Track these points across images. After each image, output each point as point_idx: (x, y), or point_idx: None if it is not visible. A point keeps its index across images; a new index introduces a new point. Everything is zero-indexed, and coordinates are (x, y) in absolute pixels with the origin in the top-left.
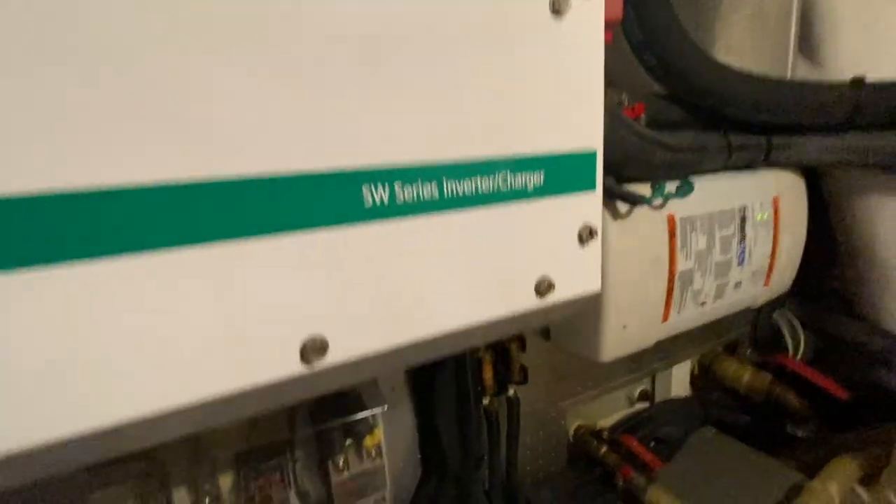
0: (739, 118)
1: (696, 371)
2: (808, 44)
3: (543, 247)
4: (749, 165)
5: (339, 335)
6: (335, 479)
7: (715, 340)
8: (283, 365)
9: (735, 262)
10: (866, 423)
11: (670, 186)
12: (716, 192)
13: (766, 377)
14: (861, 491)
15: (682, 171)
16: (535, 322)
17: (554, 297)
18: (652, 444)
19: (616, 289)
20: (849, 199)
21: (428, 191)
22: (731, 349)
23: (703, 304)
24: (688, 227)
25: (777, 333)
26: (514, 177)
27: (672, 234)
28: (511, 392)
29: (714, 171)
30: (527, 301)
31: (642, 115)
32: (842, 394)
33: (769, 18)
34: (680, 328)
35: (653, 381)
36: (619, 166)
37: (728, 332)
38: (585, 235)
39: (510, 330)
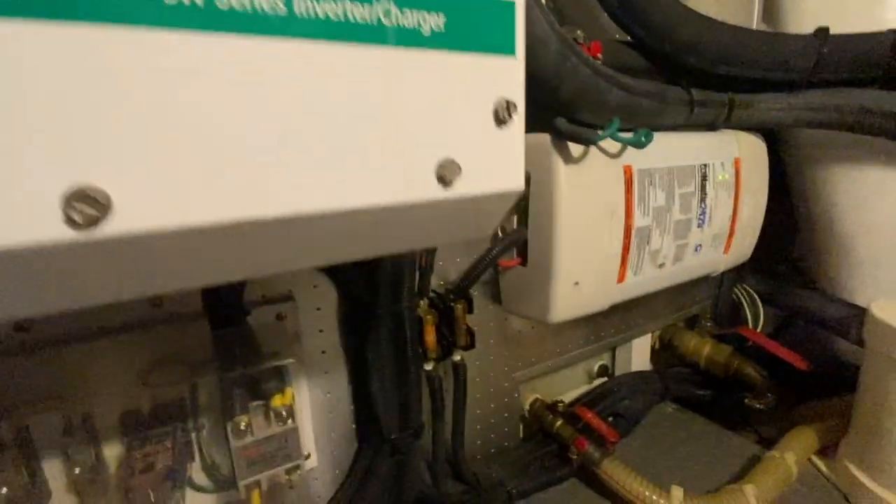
0: (701, 68)
1: (656, 345)
2: (770, 12)
3: (448, 119)
4: (711, 125)
5: (131, 192)
6: (235, 443)
7: (676, 314)
8: (41, 224)
9: (695, 222)
10: (824, 394)
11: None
12: (676, 146)
13: (727, 350)
14: (819, 462)
15: (641, 118)
16: (439, 223)
17: (462, 188)
18: (611, 418)
19: (567, 239)
20: (808, 168)
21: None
22: (693, 323)
23: (661, 265)
24: (646, 180)
25: (737, 308)
26: (402, 12)
27: (629, 186)
28: (457, 357)
29: (675, 127)
30: (425, 189)
31: (599, 56)
32: (801, 364)
33: None
34: (637, 291)
35: (613, 356)
36: (570, 105)
37: (689, 306)
38: (503, 113)
39: (410, 230)
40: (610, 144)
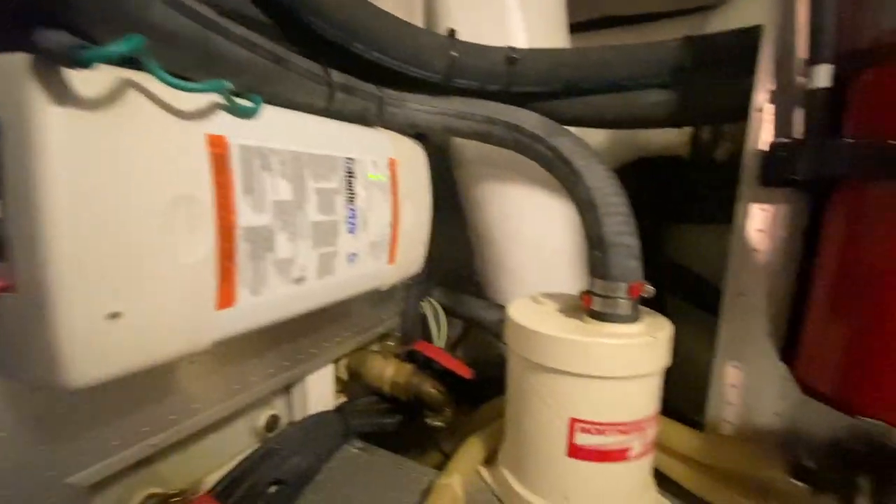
0: (328, 37)
1: (345, 376)
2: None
3: None
4: (362, 118)
5: None
6: None
7: (361, 336)
8: None
9: (344, 226)
10: (491, 397)
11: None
12: (311, 130)
13: (408, 369)
14: (484, 472)
15: (243, 77)
16: None
17: None
18: (272, 488)
19: (75, 236)
20: (470, 185)
21: None
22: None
23: (300, 279)
24: (256, 161)
25: (425, 322)
26: None
27: (221, 165)
28: None
29: (314, 111)
30: None
31: None
32: (465, 372)
33: None
34: (265, 317)
35: (288, 400)
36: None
37: (376, 325)
38: None
39: None
40: (185, 100)
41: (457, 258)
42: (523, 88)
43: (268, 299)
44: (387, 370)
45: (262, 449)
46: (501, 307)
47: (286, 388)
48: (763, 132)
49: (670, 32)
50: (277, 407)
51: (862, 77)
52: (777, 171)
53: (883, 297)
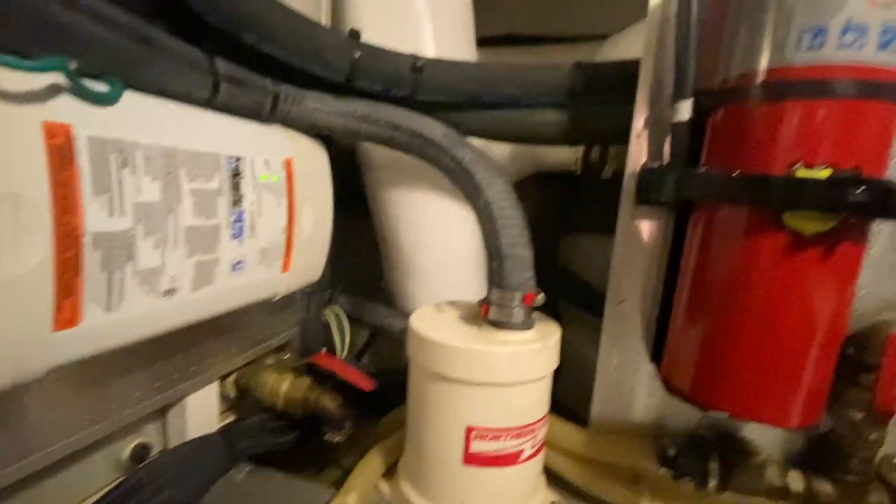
0: (212, 23)
1: (233, 393)
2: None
3: None
4: (256, 114)
5: None
6: None
7: (254, 349)
8: None
9: (227, 231)
10: (398, 406)
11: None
12: (189, 123)
13: (305, 383)
14: (384, 486)
15: (100, 58)
16: None
17: None
18: None
19: None
20: (378, 190)
21: None
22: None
23: (170, 291)
24: (113, 156)
25: (329, 331)
26: None
27: (63, 160)
28: None
29: (195, 102)
30: None
31: None
32: (366, 385)
33: None
34: (126, 335)
35: (164, 425)
36: None
37: (272, 336)
38: None
39: None
40: (14, 81)
41: (366, 263)
42: (428, 97)
43: (127, 316)
44: (282, 385)
45: (127, 483)
46: (407, 315)
47: (162, 412)
48: (640, 156)
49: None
50: (149, 434)
51: (714, 114)
52: (647, 192)
53: (727, 305)
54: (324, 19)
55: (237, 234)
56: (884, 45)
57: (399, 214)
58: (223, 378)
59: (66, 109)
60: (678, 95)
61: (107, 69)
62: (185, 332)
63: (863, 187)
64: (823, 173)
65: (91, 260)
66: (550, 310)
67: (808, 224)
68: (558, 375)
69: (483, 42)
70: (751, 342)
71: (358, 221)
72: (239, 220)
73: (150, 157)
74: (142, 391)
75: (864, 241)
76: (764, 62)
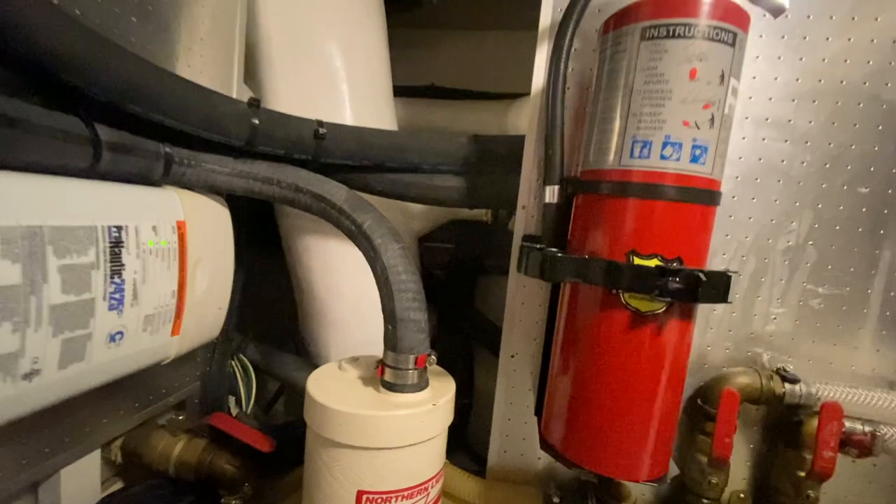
0: (95, 97)
1: (118, 459)
2: (254, 80)
3: None
4: (146, 179)
5: None
6: None
7: (145, 411)
8: None
9: (104, 304)
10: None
11: None
12: (57, 198)
13: (200, 445)
14: None
15: None
16: None
17: None
18: None
19: None
20: (292, 237)
21: None
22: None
23: (31, 374)
24: None
25: (234, 383)
26: None
27: None
28: None
29: (72, 173)
30: None
31: None
32: (264, 446)
33: (212, 37)
34: None
35: (35, 501)
36: None
37: (167, 394)
38: None
39: None
40: None
41: (281, 308)
42: (331, 160)
43: None
44: (174, 448)
45: None
46: (315, 368)
47: (33, 487)
48: (525, 225)
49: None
50: None
51: (575, 201)
52: (521, 264)
53: (585, 370)
54: (235, 84)
55: (115, 306)
56: (695, 158)
57: (314, 262)
58: (108, 443)
59: None
60: (546, 181)
61: None
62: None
63: (678, 277)
64: (652, 262)
65: None
66: (464, 351)
67: (643, 304)
68: (468, 418)
69: (404, 92)
70: (602, 404)
71: (272, 261)
72: (119, 290)
73: (8, 239)
74: (3, 471)
75: (691, 315)
76: (608, 163)
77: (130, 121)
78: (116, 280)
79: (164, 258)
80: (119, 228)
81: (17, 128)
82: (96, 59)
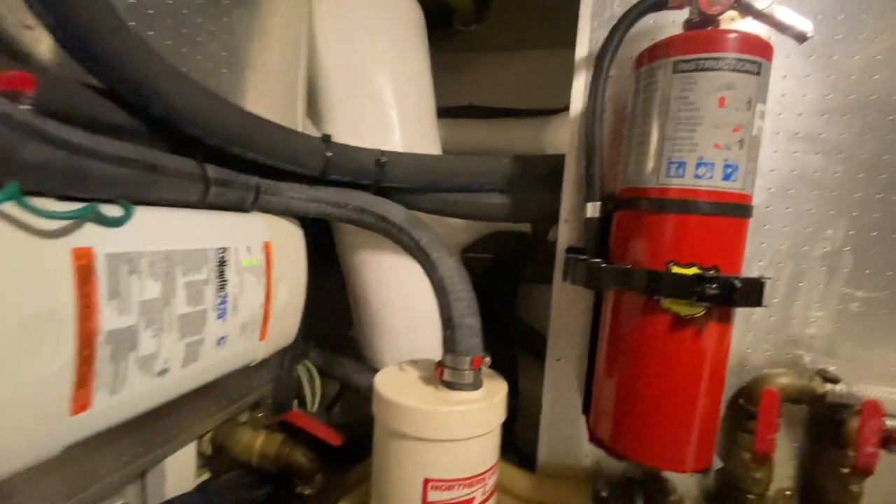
0: (208, 143)
1: (209, 451)
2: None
3: None
4: (239, 207)
5: None
6: None
7: (229, 409)
8: None
9: (213, 313)
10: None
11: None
12: (183, 226)
13: (278, 439)
14: None
15: (114, 188)
16: None
17: None
18: None
19: None
20: (349, 252)
21: None
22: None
23: (163, 372)
24: (124, 267)
25: (301, 384)
26: None
27: (86, 277)
28: None
29: (189, 205)
30: None
31: (29, 93)
32: (334, 440)
33: (280, 79)
34: (125, 413)
35: (143, 487)
36: None
37: (245, 395)
38: None
39: None
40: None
41: (339, 316)
42: (390, 184)
43: (128, 397)
44: (256, 442)
45: None
46: (374, 370)
47: (141, 473)
48: (568, 238)
49: (521, 127)
50: (129, 495)
51: (615, 215)
52: (567, 274)
53: (630, 370)
54: (300, 118)
55: (221, 315)
56: (726, 177)
57: (368, 276)
58: (200, 437)
59: (89, 235)
60: (586, 198)
61: (123, 196)
62: (170, 401)
63: (715, 283)
64: (691, 270)
65: (102, 355)
66: (508, 357)
67: (682, 308)
68: (516, 419)
69: (445, 113)
70: (648, 402)
71: (333, 273)
72: (223, 302)
73: (153, 262)
74: (127, 456)
75: (729, 318)
76: (647, 181)
77: (230, 158)
78: (222, 293)
79: (255, 274)
80: (223, 250)
81: (156, 172)
82: (213, 114)
